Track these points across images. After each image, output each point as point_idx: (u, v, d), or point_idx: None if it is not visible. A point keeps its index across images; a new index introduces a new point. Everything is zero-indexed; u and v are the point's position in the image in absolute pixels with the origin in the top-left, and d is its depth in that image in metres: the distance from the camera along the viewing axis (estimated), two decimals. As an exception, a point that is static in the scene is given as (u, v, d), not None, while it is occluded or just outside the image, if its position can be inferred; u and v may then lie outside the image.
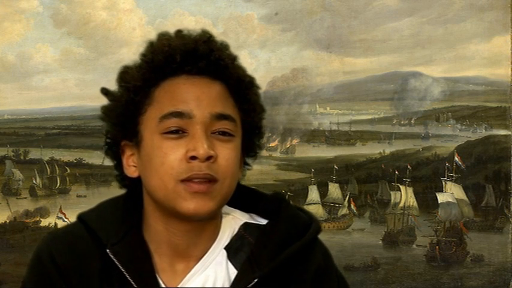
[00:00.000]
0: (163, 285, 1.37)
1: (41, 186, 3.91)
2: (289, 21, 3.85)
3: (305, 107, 3.94)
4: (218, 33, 3.77)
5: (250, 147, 1.45)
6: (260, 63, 3.84)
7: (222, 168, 1.33)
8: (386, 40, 3.87)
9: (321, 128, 4.01)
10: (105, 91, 1.42)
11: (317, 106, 3.97)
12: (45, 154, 3.92)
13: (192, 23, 3.74)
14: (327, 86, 3.92)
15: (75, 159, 3.92)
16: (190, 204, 1.31)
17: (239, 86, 1.39)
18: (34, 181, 3.91)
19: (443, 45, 3.89)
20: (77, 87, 3.79)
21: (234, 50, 1.43)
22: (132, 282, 1.34)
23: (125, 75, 1.40)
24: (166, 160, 1.32)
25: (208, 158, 1.31)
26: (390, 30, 3.88)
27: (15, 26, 3.77)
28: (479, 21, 3.86)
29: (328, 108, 4.01)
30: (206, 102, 1.34)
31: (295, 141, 4.00)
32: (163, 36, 1.40)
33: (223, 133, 1.35)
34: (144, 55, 1.39)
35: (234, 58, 1.41)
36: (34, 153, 3.92)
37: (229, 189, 1.36)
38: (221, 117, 1.34)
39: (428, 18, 3.89)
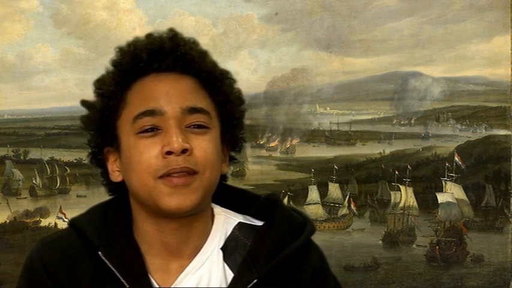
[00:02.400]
0: (156, 285, 1.38)
1: (41, 186, 3.91)
2: (289, 21, 3.85)
3: (305, 107, 3.94)
4: (218, 33, 3.78)
5: (232, 140, 1.45)
6: (260, 63, 3.84)
7: (200, 160, 1.33)
8: (386, 40, 3.87)
9: (321, 128, 4.01)
10: (84, 103, 1.45)
11: (317, 106, 3.97)
12: (45, 154, 3.92)
13: (192, 23, 3.74)
14: (327, 86, 3.92)
15: (75, 159, 3.92)
16: (172, 201, 1.32)
17: (210, 79, 1.40)
18: (34, 181, 3.91)
19: (443, 45, 3.89)
20: (77, 87, 3.79)
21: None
22: (125, 283, 1.35)
23: (99, 82, 1.42)
24: (142, 159, 1.33)
25: (184, 151, 1.32)
26: (390, 30, 3.88)
27: (15, 26, 3.77)
28: (479, 21, 3.86)
29: (328, 108, 4.01)
30: (176, 97, 1.35)
31: (295, 141, 4.00)
32: (130, 41, 1.42)
33: (198, 126, 1.36)
34: (114, 60, 1.41)
35: (203, 52, 1.42)
36: (34, 153, 3.92)
37: (210, 181, 1.36)
38: (193, 110, 1.35)
39: (428, 18, 3.89)
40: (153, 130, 1.34)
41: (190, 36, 1.42)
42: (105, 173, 1.45)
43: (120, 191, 1.44)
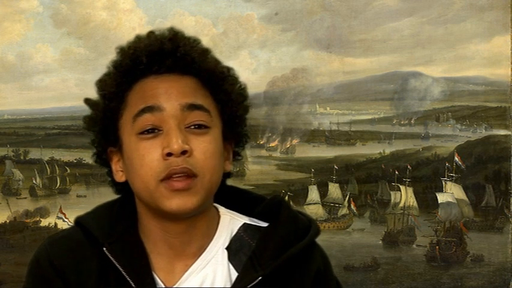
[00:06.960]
0: (160, 283, 1.38)
1: (41, 186, 3.91)
2: (289, 21, 3.85)
3: (305, 107, 3.94)
4: (218, 33, 3.78)
5: (236, 137, 1.45)
6: (260, 63, 3.84)
7: (200, 162, 1.33)
8: (386, 40, 3.87)
9: (321, 128, 4.01)
10: (88, 101, 1.45)
11: (317, 106, 3.97)
12: (45, 154, 3.92)
13: (192, 23, 3.74)
14: (327, 86, 3.92)
15: (75, 159, 3.92)
16: (173, 203, 1.32)
17: (211, 78, 1.40)
18: (34, 181, 3.91)
19: (443, 45, 3.89)
20: (77, 87, 3.79)
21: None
22: (130, 281, 1.35)
23: (101, 83, 1.42)
24: (144, 162, 1.33)
25: (184, 152, 1.31)
26: (390, 30, 3.88)
27: (15, 26, 3.77)
28: (479, 21, 3.86)
29: (328, 108, 4.01)
30: (175, 94, 1.35)
31: (295, 141, 4.00)
32: (131, 41, 1.42)
33: (199, 126, 1.35)
34: (114, 61, 1.42)
35: (204, 51, 1.41)
36: (34, 153, 3.92)
37: (212, 183, 1.36)
38: (192, 107, 1.35)
39: (428, 18, 3.89)
40: (154, 131, 1.34)
41: (192, 36, 1.42)
42: (110, 172, 1.46)
43: (127, 190, 1.44)
